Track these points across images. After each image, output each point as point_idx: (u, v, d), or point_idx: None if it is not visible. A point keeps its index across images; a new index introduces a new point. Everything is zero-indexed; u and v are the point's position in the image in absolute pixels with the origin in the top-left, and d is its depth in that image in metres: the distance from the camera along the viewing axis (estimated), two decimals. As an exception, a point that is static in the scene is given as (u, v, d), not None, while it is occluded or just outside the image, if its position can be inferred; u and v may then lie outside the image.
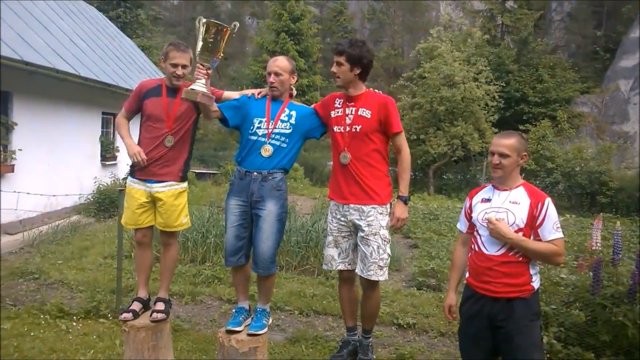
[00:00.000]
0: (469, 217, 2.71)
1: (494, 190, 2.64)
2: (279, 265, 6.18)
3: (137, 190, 3.13)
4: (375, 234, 2.93)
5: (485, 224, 2.55)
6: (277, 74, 3.02)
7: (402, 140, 3.06)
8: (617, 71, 26.53)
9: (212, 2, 43.79)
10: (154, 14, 30.46)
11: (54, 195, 6.94)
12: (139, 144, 3.16)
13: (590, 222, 10.71)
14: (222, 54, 2.95)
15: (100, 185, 9.85)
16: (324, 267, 3.20)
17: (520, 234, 2.47)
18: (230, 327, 2.97)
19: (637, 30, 25.79)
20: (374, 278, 2.94)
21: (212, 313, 4.73)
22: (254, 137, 3.01)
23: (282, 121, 3.02)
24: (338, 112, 3.07)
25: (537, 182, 17.35)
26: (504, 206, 2.54)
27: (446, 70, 19.46)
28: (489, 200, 2.62)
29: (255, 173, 2.98)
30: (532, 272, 2.52)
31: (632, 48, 25.66)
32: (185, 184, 3.24)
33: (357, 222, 2.97)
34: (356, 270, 3.04)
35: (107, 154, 11.49)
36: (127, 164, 10.92)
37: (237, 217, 3.03)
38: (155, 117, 3.08)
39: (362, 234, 2.96)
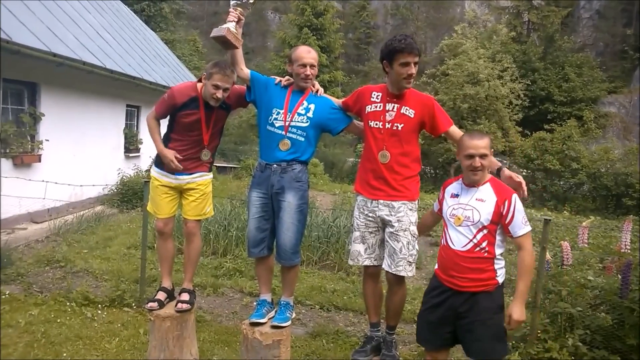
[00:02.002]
0: (441, 205, 2.82)
1: (463, 186, 2.70)
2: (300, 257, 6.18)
3: (163, 180, 3.17)
4: (405, 230, 2.90)
5: (452, 220, 2.63)
6: (312, 66, 2.96)
7: (457, 130, 3.00)
8: (647, 71, 25.80)
9: (235, -4, 43.94)
10: (177, 7, 30.74)
11: (80, 186, 7.04)
12: (168, 139, 3.17)
13: (615, 224, 10.45)
14: (252, 1, 2.92)
15: (124, 177, 9.98)
16: (350, 262, 3.17)
17: (485, 231, 2.55)
18: (254, 320, 2.97)
19: (669, 29, 25.03)
20: (402, 274, 2.91)
21: (233, 305, 4.75)
22: (272, 129, 2.98)
23: (299, 114, 2.98)
24: (376, 107, 2.97)
25: (562, 183, 17.01)
26: (470, 204, 2.61)
27: (470, 67, 19.24)
28: (457, 195, 2.69)
29: (274, 165, 2.97)
30: (496, 267, 2.61)
31: (663, 47, 24.90)
32: (211, 175, 3.29)
33: (386, 217, 2.93)
34: (383, 266, 3.00)
35: (131, 146, 11.64)
36: (150, 157, 10.92)
37: (258, 209, 3.03)
38: (192, 129, 3.09)
39: (391, 230, 2.92)
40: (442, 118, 2.93)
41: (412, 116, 2.89)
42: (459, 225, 2.59)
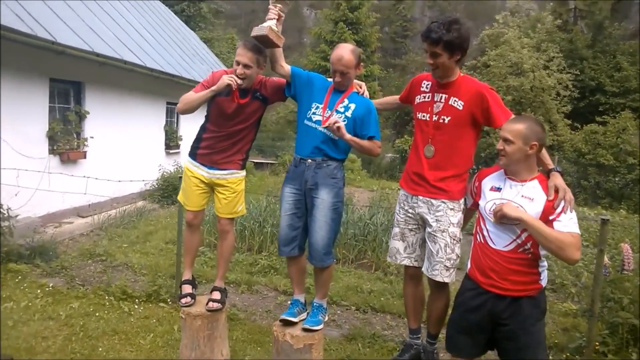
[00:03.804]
0: (477, 199, 2.54)
1: (506, 179, 2.41)
2: (335, 258, 6.06)
3: (196, 172, 3.14)
4: (444, 231, 2.72)
5: (491, 216, 2.37)
6: (343, 74, 2.82)
7: None
8: None
9: (272, -7, 44.39)
10: (216, 7, 31.22)
11: (118, 181, 7.22)
12: (203, 130, 3.15)
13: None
14: None
15: (164, 173, 10.18)
16: (388, 259, 3.03)
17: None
18: (285, 317, 2.89)
19: None
20: (438, 279, 2.73)
21: (267, 303, 4.71)
22: (309, 123, 2.88)
23: (338, 112, 2.86)
24: (425, 97, 2.79)
25: (617, 179, 16.05)
26: (515, 200, 2.33)
27: (513, 57, 18.53)
28: (499, 189, 2.42)
29: (309, 160, 2.87)
30: (540, 269, 2.37)
31: None
32: (244, 172, 3.24)
33: (425, 216, 2.77)
34: (422, 268, 2.85)
35: (171, 143, 11.86)
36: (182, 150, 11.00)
37: (291, 206, 2.94)
38: (225, 116, 3.03)
39: (429, 230, 2.76)
40: (498, 110, 2.62)
41: (461, 108, 2.66)
42: (501, 223, 2.34)
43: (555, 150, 18.69)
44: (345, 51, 2.82)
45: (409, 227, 2.87)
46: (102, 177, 7.42)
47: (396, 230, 2.93)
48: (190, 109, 3.01)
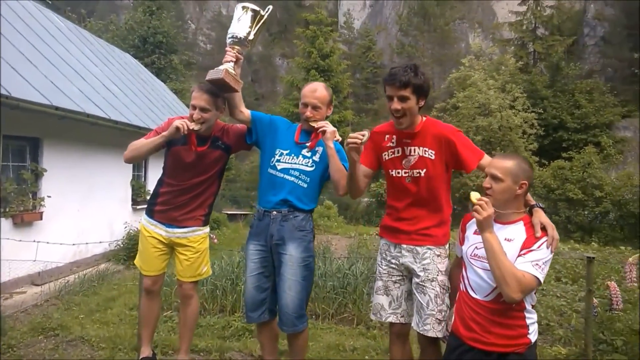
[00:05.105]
0: (461, 244, 2.38)
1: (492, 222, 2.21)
2: (314, 314, 5.67)
3: (153, 232, 2.80)
4: (433, 280, 2.48)
5: (473, 261, 2.19)
6: (315, 107, 2.63)
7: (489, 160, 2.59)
8: (661, 92, 25.40)
9: (243, 45, 45.53)
10: (187, 58, 31.47)
11: (72, 244, 6.71)
12: (161, 184, 2.90)
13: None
14: (252, 38, 2.64)
15: (131, 231, 9.64)
16: (372, 317, 2.75)
17: None
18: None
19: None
20: (431, 334, 2.46)
21: (242, 373, 4.24)
22: (273, 172, 2.65)
23: (305, 156, 2.65)
24: (394, 153, 2.61)
25: (586, 213, 16.34)
26: None
27: (481, 98, 19.07)
28: None
29: (274, 212, 2.60)
30: (528, 321, 2.15)
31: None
32: (207, 229, 2.91)
33: (410, 265, 2.53)
34: (412, 324, 2.58)
35: (139, 198, 11.38)
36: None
37: (257, 265, 2.68)
38: (184, 166, 2.77)
39: (417, 280, 2.52)
40: (468, 153, 2.49)
41: (433, 158, 2.51)
42: (482, 269, 2.15)
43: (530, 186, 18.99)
44: (319, 85, 2.70)
45: (393, 279, 2.62)
46: (60, 239, 6.90)
47: (379, 283, 2.67)
48: (137, 156, 2.73)
